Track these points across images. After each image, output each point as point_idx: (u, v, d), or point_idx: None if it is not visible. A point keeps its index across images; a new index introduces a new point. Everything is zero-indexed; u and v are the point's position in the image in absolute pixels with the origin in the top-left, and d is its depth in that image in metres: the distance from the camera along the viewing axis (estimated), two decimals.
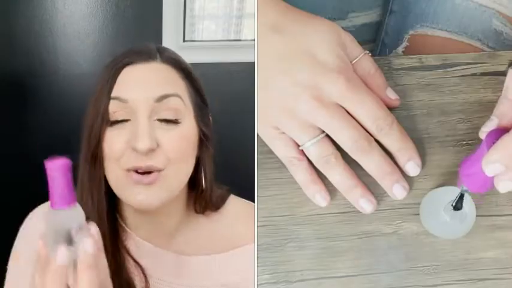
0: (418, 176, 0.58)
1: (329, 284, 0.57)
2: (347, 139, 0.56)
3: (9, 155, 1.30)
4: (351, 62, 0.59)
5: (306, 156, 0.58)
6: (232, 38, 1.42)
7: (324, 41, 0.57)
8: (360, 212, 0.58)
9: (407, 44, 0.80)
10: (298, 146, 0.58)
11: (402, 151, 0.57)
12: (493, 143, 0.46)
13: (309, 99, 0.55)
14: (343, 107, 0.56)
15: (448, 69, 0.63)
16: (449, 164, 0.60)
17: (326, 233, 0.59)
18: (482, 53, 0.65)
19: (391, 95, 0.60)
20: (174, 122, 0.58)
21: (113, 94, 0.57)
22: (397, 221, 0.59)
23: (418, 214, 0.58)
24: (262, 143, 0.60)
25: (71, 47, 1.33)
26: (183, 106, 0.59)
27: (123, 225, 0.63)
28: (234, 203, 0.67)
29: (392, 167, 0.57)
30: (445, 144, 0.61)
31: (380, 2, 0.86)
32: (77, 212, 0.47)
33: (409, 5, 0.81)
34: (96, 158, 0.58)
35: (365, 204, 0.57)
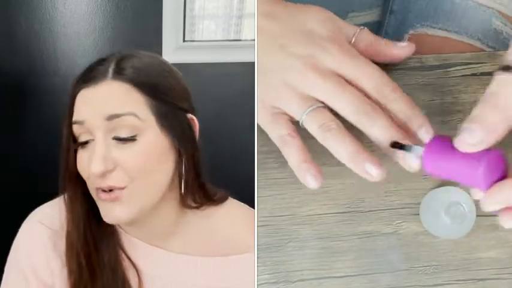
0: (418, 175, 0.58)
1: (329, 284, 0.58)
2: (347, 104, 0.53)
3: (9, 155, 1.30)
4: (350, 40, 0.58)
5: (299, 137, 0.55)
6: (232, 38, 1.42)
7: (319, 21, 0.57)
8: (360, 212, 0.58)
9: None
10: (293, 124, 0.55)
11: (412, 118, 0.52)
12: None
13: (305, 68, 0.54)
14: (341, 76, 0.54)
15: (448, 69, 0.63)
16: None
17: (326, 233, 0.59)
18: (482, 52, 0.65)
19: (402, 44, 0.59)
20: (130, 139, 0.57)
21: (73, 118, 0.59)
22: (397, 221, 0.59)
23: (418, 214, 0.59)
24: (262, 143, 0.60)
25: (71, 47, 1.33)
26: (138, 122, 0.57)
27: (117, 226, 0.63)
28: (233, 206, 0.66)
29: (400, 132, 0.52)
30: None
31: (380, 2, 0.86)
32: None
33: (409, 4, 0.81)
34: (71, 177, 0.60)
35: (371, 168, 0.52)
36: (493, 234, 0.58)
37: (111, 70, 0.59)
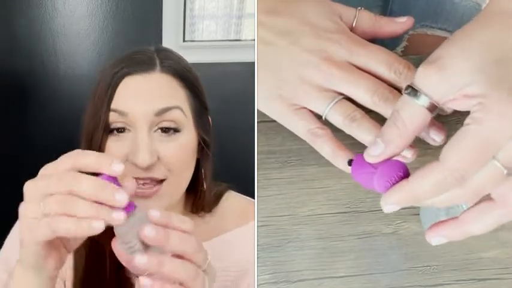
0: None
1: (329, 284, 0.58)
2: (365, 91, 0.54)
3: (9, 155, 1.30)
4: (351, 23, 0.59)
5: (328, 128, 0.56)
6: (232, 38, 1.42)
7: (320, 12, 0.57)
8: (360, 212, 0.58)
9: (407, 44, 0.80)
10: (319, 117, 0.56)
11: None
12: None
13: (320, 62, 0.55)
14: (354, 65, 0.55)
15: None
16: None
17: (326, 233, 0.59)
18: None
19: (401, 19, 0.59)
20: (174, 130, 0.57)
21: (112, 106, 0.57)
22: (397, 221, 0.59)
23: (418, 214, 0.59)
24: (262, 143, 0.60)
25: (71, 47, 1.34)
26: (183, 117, 0.58)
27: None
28: (229, 201, 0.67)
29: None
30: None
31: (380, 2, 0.86)
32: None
33: (409, 4, 0.81)
34: None
35: (408, 152, 0.54)
36: (493, 234, 0.58)
37: (157, 62, 0.59)
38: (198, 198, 0.64)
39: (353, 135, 0.54)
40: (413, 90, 0.45)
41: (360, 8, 0.59)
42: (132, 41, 1.32)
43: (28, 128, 1.34)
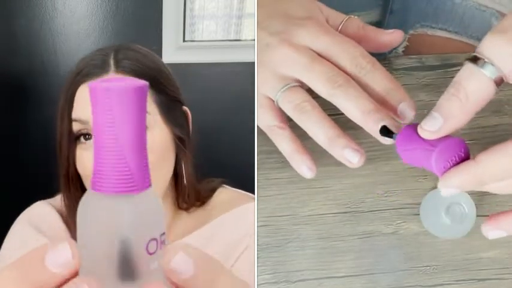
0: (418, 176, 0.58)
1: (329, 284, 0.58)
2: (319, 76, 0.49)
3: (9, 155, 1.30)
4: (337, 27, 0.56)
5: (288, 127, 0.54)
6: (232, 38, 1.42)
7: (300, 6, 0.55)
8: (360, 212, 0.58)
9: (407, 44, 0.80)
10: (281, 115, 0.53)
11: (391, 92, 0.49)
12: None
13: (279, 43, 0.52)
14: (316, 52, 0.52)
15: (448, 70, 0.63)
16: None
17: (326, 233, 0.59)
18: None
19: (390, 31, 0.56)
20: None
21: (73, 116, 0.57)
22: (397, 221, 0.59)
23: (418, 214, 0.59)
24: (262, 143, 0.60)
25: (71, 47, 1.33)
26: (147, 116, 0.58)
27: None
28: (221, 196, 0.66)
29: (375, 104, 0.48)
30: None
31: (380, 2, 0.86)
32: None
33: (409, 4, 0.81)
34: (70, 176, 0.59)
35: (350, 155, 0.49)
36: None
37: (112, 62, 0.58)
38: (183, 195, 0.63)
39: (303, 128, 0.51)
40: (480, 60, 0.41)
41: (353, 16, 0.57)
42: (132, 41, 1.31)
43: (28, 128, 1.34)
